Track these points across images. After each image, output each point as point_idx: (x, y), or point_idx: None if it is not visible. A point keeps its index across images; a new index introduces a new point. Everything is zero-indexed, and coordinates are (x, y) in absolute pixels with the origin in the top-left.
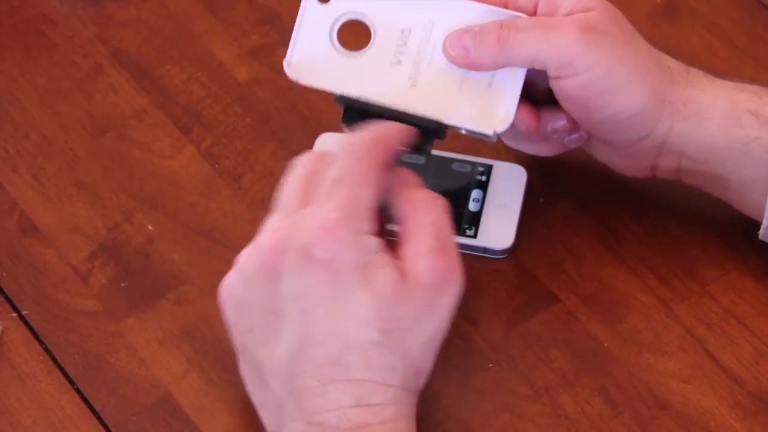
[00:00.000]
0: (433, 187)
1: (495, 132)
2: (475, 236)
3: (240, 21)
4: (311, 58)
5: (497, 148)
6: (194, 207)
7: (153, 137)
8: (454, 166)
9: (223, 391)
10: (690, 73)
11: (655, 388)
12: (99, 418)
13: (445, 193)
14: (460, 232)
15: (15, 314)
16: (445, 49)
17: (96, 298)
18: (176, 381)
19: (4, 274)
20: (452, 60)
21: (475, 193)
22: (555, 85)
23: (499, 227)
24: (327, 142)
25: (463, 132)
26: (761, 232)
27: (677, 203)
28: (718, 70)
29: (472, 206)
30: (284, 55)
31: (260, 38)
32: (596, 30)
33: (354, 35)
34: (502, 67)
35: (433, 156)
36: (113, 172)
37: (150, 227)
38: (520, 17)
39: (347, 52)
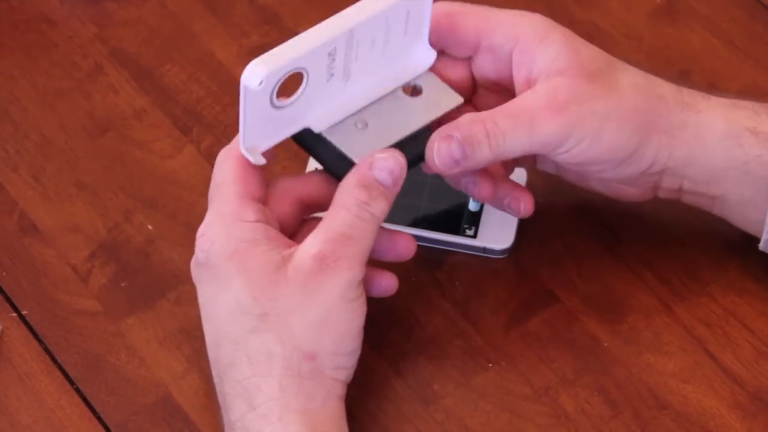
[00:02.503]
0: (433, 187)
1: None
2: (475, 236)
3: (240, 21)
4: (262, 130)
5: None
6: (194, 207)
7: (153, 137)
8: None
9: None
10: (683, 93)
11: (655, 388)
12: (99, 418)
13: (445, 194)
14: (460, 232)
15: (15, 314)
16: (430, 159)
17: (96, 298)
18: (176, 381)
19: (4, 274)
20: (437, 169)
21: None
22: (549, 158)
23: (499, 227)
24: None
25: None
26: (761, 245)
27: (677, 203)
28: (718, 70)
29: (472, 206)
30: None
31: (260, 38)
32: (573, 103)
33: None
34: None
35: None
36: (113, 172)
37: (150, 227)
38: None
39: (287, 101)
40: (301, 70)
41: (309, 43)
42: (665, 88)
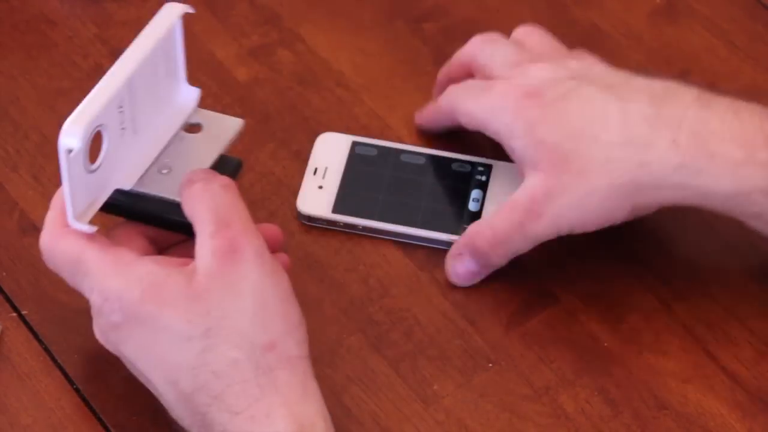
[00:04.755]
0: (433, 187)
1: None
2: None
3: (240, 21)
4: (84, 197)
5: (497, 147)
6: None
7: None
8: (454, 166)
9: None
10: (680, 148)
11: (655, 388)
12: (99, 418)
13: (445, 194)
14: (460, 232)
15: (15, 314)
16: (451, 277)
17: None
18: None
19: (4, 274)
20: (461, 284)
21: (475, 193)
22: None
23: None
24: (327, 141)
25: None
26: None
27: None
28: (718, 70)
29: (472, 206)
30: (278, 59)
31: (260, 38)
32: (549, 202)
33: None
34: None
35: (433, 156)
36: None
37: None
38: None
39: (96, 164)
40: (99, 128)
41: (104, 96)
42: (653, 150)
